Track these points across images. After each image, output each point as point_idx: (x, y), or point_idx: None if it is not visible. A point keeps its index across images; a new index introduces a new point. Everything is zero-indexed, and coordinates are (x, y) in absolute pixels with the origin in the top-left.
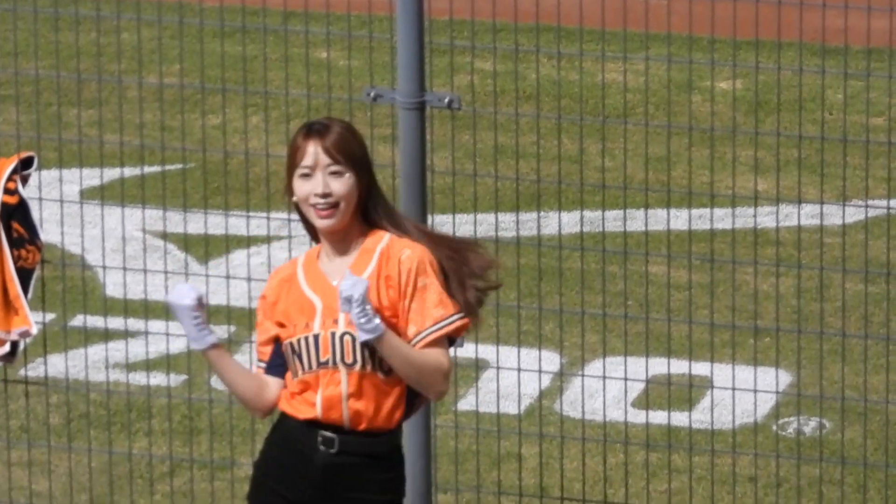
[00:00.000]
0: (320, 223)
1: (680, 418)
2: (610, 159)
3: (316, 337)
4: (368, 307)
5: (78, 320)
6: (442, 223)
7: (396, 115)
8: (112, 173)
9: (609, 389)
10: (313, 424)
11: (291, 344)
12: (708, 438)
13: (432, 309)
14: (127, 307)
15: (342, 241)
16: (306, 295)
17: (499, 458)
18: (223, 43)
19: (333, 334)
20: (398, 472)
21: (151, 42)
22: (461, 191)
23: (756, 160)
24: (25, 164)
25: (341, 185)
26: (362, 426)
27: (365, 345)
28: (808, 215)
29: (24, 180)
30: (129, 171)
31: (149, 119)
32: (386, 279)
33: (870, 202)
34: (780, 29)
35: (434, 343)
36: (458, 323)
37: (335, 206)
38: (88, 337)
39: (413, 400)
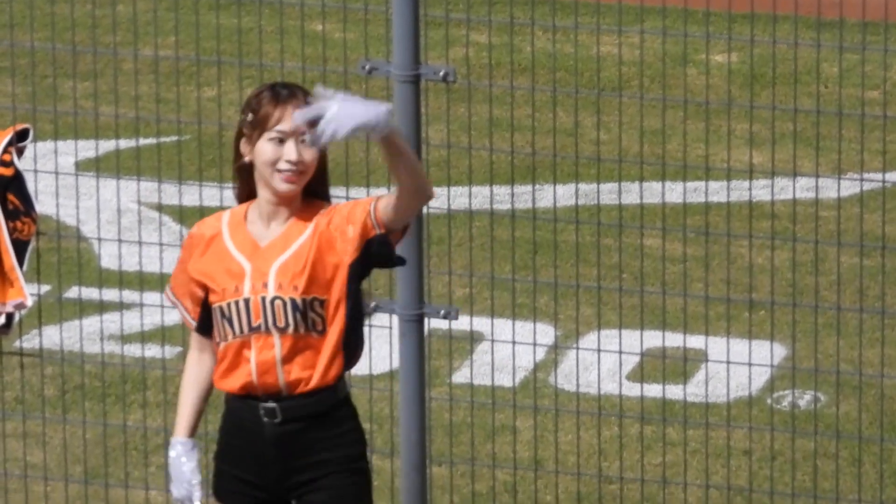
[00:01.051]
0: (284, 187)
1: (675, 391)
2: (605, 132)
3: (247, 301)
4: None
5: (73, 292)
6: (437, 195)
7: (391, 87)
8: (107, 145)
9: (604, 362)
10: (252, 397)
11: (221, 308)
12: (702, 411)
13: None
14: (122, 279)
15: (285, 208)
16: (234, 257)
17: (493, 430)
18: (219, 15)
19: (264, 299)
20: (350, 425)
21: (147, 14)
22: (456, 163)
23: (751, 133)
24: (21, 135)
25: (310, 154)
26: (300, 389)
27: (298, 311)
28: (803, 188)
29: (20, 152)
30: (125, 143)
31: (144, 91)
32: (323, 234)
33: (865, 175)
34: (775, 2)
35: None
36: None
37: (302, 173)
38: (83, 309)
39: (352, 352)
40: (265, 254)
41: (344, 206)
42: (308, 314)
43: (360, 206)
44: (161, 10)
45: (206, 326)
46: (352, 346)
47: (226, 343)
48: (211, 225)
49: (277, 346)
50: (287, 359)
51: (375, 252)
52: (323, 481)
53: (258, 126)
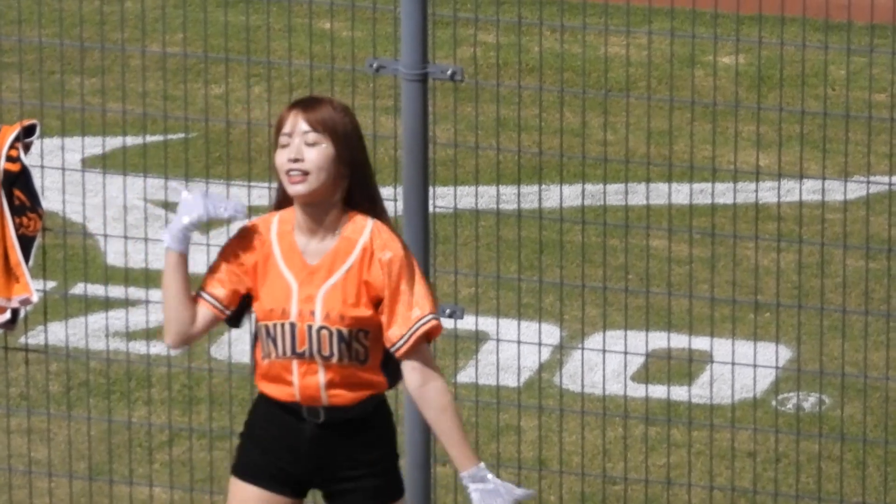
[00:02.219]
0: (291, 189)
1: (679, 392)
2: (612, 133)
3: (293, 326)
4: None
5: (78, 288)
6: (443, 195)
7: (399, 86)
8: (114, 142)
9: (609, 363)
10: (290, 405)
11: (266, 327)
12: (707, 413)
13: (410, 311)
14: (128, 276)
15: (318, 219)
16: (283, 274)
17: (498, 430)
18: (227, 12)
19: (310, 327)
20: (386, 426)
21: (155, 11)
22: (463, 163)
23: (758, 135)
24: (28, 131)
25: (316, 153)
26: (343, 404)
27: (343, 342)
28: (809, 191)
29: (27, 148)
30: (132, 140)
31: (152, 88)
32: (367, 284)
33: (871, 178)
34: (783, 4)
35: (413, 349)
36: (433, 323)
37: (306, 173)
38: (89, 305)
39: (393, 374)
40: (313, 276)
41: (387, 267)
42: (353, 345)
43: (390, 316)
44: (169, 7)
45: (235, 320)
46: (391, 368)
47: (269, 360)
48: (264, 233)
49: (321, 373)
50: (330, 384)
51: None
52: (358, 481)
53: (275, 135)
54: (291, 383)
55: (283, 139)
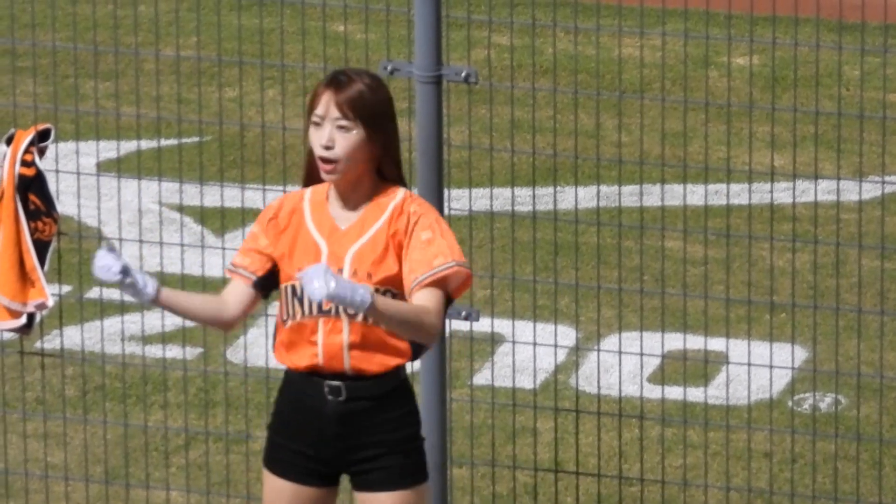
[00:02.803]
0: (324, 175)
1: (695, 394)
2: (626, 134)
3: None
4: (343, 285)
5: (94, 293)
6: (458, 197)
7: (413, 88)
8: (129, 146)
9: (624, 364)
10: (316, 374)
11: (293, 286)
12: (723, 414)
13: (433, 259)
14: None
15: (352, 192)
16: (313, 237)
17: (514, 432)
18: (240, 16)
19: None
20: (409, 407)
21: (168, 15)
22: (477, 165)
23: (773, 136)
24: (42, 136)
25: (346, 139)
26: (364, 372)
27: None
28: (824, 191)
29: (42, 152)
30: (146, 144)
31: (165, 91)
32: (394, 235)
33: (886, 178)
34: (797, 4)
35: (428, 285)
36: (456, 268)
37: (335, 161)
38: (104, 309)
39: (419, 345)
40: (343, 238)
41: (414, 217)
42: None
43: (411, 265)
44: (182, 11)
45: (264, 285)
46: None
47: (293, 321)
48: (292, 200)
49: (346, 332)
50: (354, 345)
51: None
52: (382, 460)
53: (308, 109)
54: (315, 343)
55: (315, 118)
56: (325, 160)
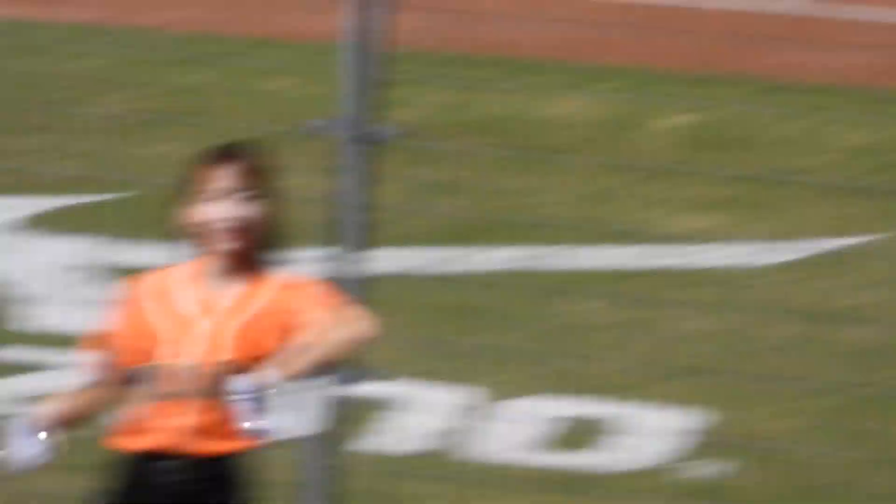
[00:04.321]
0: (225, 246)
1: (588, 459)
2: (539, 195)
3: (168, 366)
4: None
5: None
6: (385, 257)
7: (338, 147)
8: (54, 202)
9: (518, 430)
10: (152, 455)
11: (142, 369)
12: (616, 480)
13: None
14: (67, 339)
15: (237, 267)
16: (181, 314)
17: (399, 500)
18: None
19: (192, 364)
20: (248, 490)
21: (100, 71)
22: (401, 223)
23: (692, 198)
24: None
25: (251, 210)
26: (206, 454)
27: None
28: (733, 255)
29: None
30: (71, 200)
31: (90, 148)
32: (280, 308)
33: (799, 243)
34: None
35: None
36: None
37: (242, 230)
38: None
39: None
40: (221, 315)
41: (302, 293)
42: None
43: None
44: (110, 67)
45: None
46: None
47: (143, 403)
48: (157, 278)
49: (192, 414)
50: (200, 427)
51: None
52: None
53: (193, 188)
54: (158, 429)
55: (210, 194)
56: (234, 230)
